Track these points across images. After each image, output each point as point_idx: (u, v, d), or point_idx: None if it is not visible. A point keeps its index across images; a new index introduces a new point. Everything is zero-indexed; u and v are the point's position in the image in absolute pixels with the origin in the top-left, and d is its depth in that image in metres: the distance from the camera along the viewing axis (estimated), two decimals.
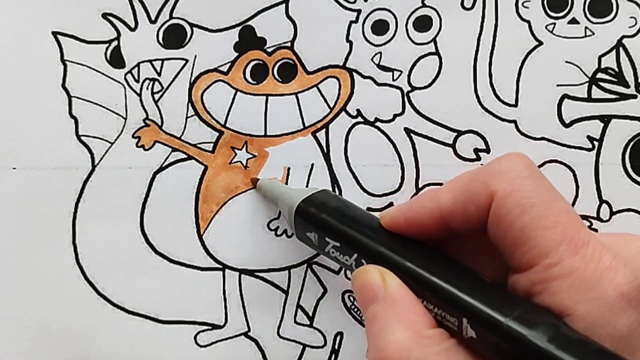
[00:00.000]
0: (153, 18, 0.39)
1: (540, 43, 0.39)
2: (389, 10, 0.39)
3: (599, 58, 0.39)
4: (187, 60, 0.39)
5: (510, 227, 0.26)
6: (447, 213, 0.29)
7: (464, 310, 0.25)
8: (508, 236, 0.27)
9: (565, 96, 0.39)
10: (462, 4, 0.39)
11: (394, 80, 0.39)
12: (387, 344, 0.26)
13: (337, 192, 0.39)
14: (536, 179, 0.27)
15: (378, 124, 0.39)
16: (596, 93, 0.39)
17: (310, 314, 0.38)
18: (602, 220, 0.38)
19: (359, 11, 0.39)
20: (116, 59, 0.39)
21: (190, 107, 0.39)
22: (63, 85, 0.39)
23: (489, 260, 0.29)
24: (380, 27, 0.39)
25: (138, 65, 0.39)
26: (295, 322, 0.38)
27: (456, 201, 0.28)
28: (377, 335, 0.27)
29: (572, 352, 0.23)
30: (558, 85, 0.39)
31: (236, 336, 0.38)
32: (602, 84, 0.39)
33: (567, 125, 0.39)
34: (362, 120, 0.39)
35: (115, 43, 0.39)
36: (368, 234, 0.31)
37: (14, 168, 0.38)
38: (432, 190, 0.30)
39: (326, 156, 0.39)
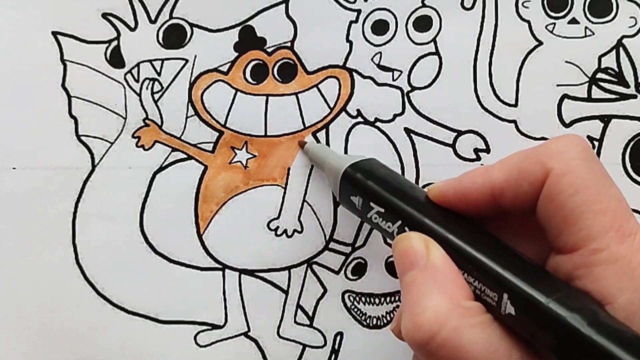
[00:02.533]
0: (153, 18, 0.39)
1: (540, 43, 0.39)
2: (389, 10, 0.39)
3: (599, 58, 0.39)
4: (187, 60, 0.39)
5: (561, 206, 0.26)
6: (499, 189, 0.28)
7: (506, 286, 0.25)
8: (558, 215, 0.26)
9: (565, 96, 0.39)
10: (462, 4, 0.39)
11: (394, 80, 0.39)
12: (423, 309, 0.26)
13: None
14: (592, 163, 0.27)
15: (378, 124, 0.39)
16: (596, 93, 0.39)
17: (310, 314, 0.38)
18: None
19: (359, 11, 0.39)
20: (116, 59, 0.39)
21: (190, 107, 0.39)
22: (63, 85, 0.39)
23: (531, 243, 0.29)
24: (380, 27, 0.39)
25: (138, 65, 0.39)
26: (295, 322, 0.38)
27: (509, 178, 0.28)
28: (414, 301, 0.26)
29: (611, 338, 0.23)
30: (558, 85, 0.39)
31: (236, 336, 0.38)
32: (602, 84, 0.39)
33: (567, 125, 0.39)
34: (362, 120, 0.39)
35: (115, 43, 0.39)
36: (413, 203, 0.30)
37: (14, 168, 0.38)
38: (484, 167, 0.30)
39: None
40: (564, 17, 0.39)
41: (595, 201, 0.26)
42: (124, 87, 0.39)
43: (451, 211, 0.30)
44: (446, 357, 0.25)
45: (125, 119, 0.39)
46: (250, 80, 0.39)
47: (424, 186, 0.38)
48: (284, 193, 0.39)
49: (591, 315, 0.23)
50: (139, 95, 0.39)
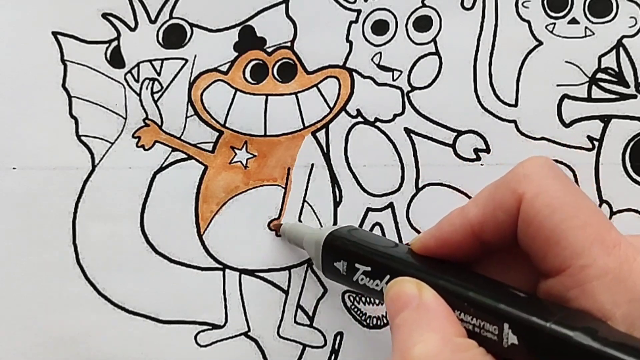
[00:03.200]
0: (153, 18, 0.39)
1: (540, 43, 0.39)
2: (389, 10, 0.39)
3: (599, 58, 0.39)
4: (186, 60, 0.39)
5: (540, 228, 0.26)
6: (477, 225, 0.28)
7: (505, 316, 0.25)
8: (539, 238, 0.26)
9: (565, 96, 0.39)
10: (462, 4, 0.39)
11: (394, 80, 0.39)
12: (413, 344, 0.25)
13: (337, 193, 0.39)
14: (562, 180, 0.27)
15: (378, 124, 0.39)
16: (596, 93, 0.39)
17: (310, 314, 0.38)
18: None
19: (359, 11, 0.39)
20: (116, 59, 0.39)
21: (190, 107, 0.39)
22: (63, 85, 0.39)
23: (519, 275, 0.29)
24: (380, 27, 0.39)
25: (138, 65, 0.39)
26: (295, 322, 0.38)
27: (485, 211, 0.28)
28: (405, 338, 0.26)
29: (619, 348, 0.22)
30: (558, 85, 0.39)
31: (236, 336, 0.38)
32: (602, 84, 0.39)
33: (567, 125, 0.39)
34: (362, 120, 0.39)
35: (115, 43, 0.39)
36: (399, 257, 0.31)
37: (14, 168, 0.38)
38: (458, 208, 0.30)
39: (326, 156, 0.39)
40: (564, 17, 0.39)
41: (573, 217, 0.26)
42: (124, 87, 0.39)
43: (437, 259, 0.30)
44: None
45: (125, 119, 0.39)
46: (250, 80, 0.39)
47: (424, 186, 0.38)
48: (284, 193, 0.39)
49: (593, 331, 0.23)
50: (139, 95, 0.39)
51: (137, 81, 0.39)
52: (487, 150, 0.39)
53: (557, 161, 0.38)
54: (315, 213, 0.39)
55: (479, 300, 0.26)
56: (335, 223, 0.39)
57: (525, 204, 0.27)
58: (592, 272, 0.25)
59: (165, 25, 0.39)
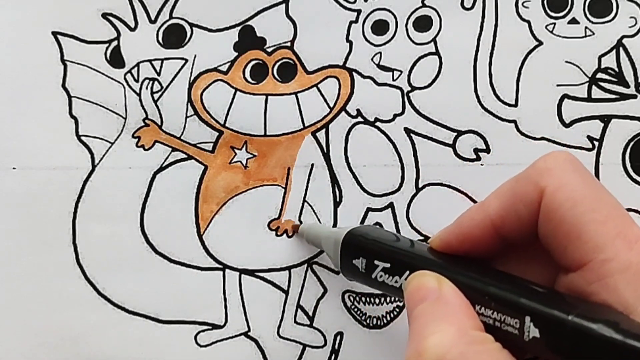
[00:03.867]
0: (153, 18, 0.39)
1: (540, 43, 0.39)
2: (389, 10, 0.39)
3: (599, 58, 0.39)
4: (186, 60, 0.39)
5: (562, 221, 0.26)
6: (498, 219, 0.28)
7: (527, 309, 0.25)
8: (560, 232, 0.26)
9: (565, 96, 0.39)
10: (462, 4, 0.39)
11: (394, 80, 0.39)
12: (429, 334, 0.25)
13: (337, 193, 0.39)
14: (584, 175, 0.27)
15: (378, 124, 0.39)
16: (596, 93, 0.39)
17: (310, 314, 0.38)
18: None
19: (359, 11, 0.39)
20: (116, 59, 0.39)
21: (189, 107, 0.39)
22: (63, 85, 0.39)
23: (539, 270, 0.29)
24: (380, 27, 0.39)
25: (138, 65, 0.39)
26: (295, 322, 0.38)
27: (505, 205, 0.28)
28: (421, 328, 0.26)
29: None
30: (558, 85, 0.39)
31: (236, 336, 0.38)
32: (602, 84, 0.39)
33: (567, 125, 0.39)
34: (362, 120, 0.39)
35: (115, 43, 0.39)
36: (419, 253, 0.31)
37: (14, 168, 0.38)
38: (478, 203, 0.30)
39: (326, 156, 0.39)
40: (564, 17, 0.39)
41: (594, 211, 0.26)
42: (124, 87, 0.39)
43: (456, 256, 0.30)
44: None
45: (125, 119, 0.39)
46: (249, 80, 0.39)
47: (424, 186, 0.38)
48: (284, 193, 0.39)
49: (615, 324, 0.23)
50: (139, 95, 0.39)
51: (137, 81, 0.39)
52: (487, 150, 0.39)
53: None
54: (315, 213, 0.39)
55: (500, 294, 0.26)
56: (335, 223, 0.39)
57: (547, 197, 0.27)
58: (614, 266, 0.25)
59: (165, 25, 0.39)
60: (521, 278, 0.28)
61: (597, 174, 0.38)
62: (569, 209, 0.26)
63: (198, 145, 0.39)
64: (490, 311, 0.27)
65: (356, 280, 0.33)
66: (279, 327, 0.38)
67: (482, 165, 0.38)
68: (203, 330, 0.38)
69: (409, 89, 0.39)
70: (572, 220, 0.26)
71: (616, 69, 0.39)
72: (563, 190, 0.26)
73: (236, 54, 0.39)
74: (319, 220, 0.38)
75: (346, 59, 0.39)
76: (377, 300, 0.38)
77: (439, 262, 0.30)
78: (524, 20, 0.39)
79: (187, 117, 0.39)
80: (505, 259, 0.30)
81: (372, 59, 0.39)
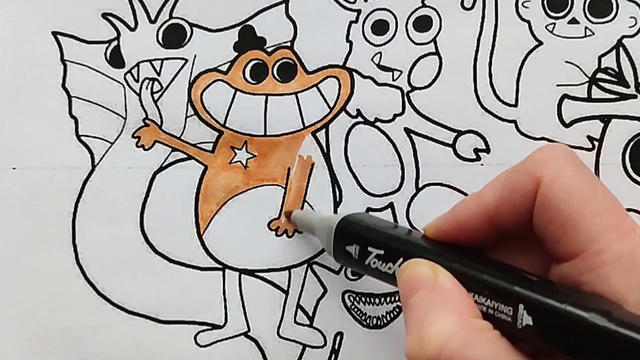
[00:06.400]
0: (153, 18, 0.39)
1: (540, 43, 0.39)
2: (389, 10, 0.39)
3: (599, 58, 0.39)
4: (186, 60, 0.39)
5: (557, 212, 0.26)
6: (493, 209, 0.29)
7: (520, 297, 0.25)
8: (554, 222, 0.27)
9: (565, 96, 0.39)
10: (462, 4, 0.39)
11: (394, 80, 0.39)
12: (430, 324, 0.25)
13: (337, 193, 0.39)
14: (579, 167, 0.27)
15: (378, 124, 0.39)
16: (596, 93, 0.39)
17: (310, 314, 0.38)
18: None
19: (359, 11, 0.39)
20: (116, 59, 0.39)
21: (189, 107, 0.39)
22: (63, 85, 0.39)
23: (532, 260, 0.29)
24: (380, 27, 0.39)
25: (138, 65, 0.39)
26: (295, 322, 0.38)
27: (501, 195, 0.28)
28: (420, 319, 0.26)
29: (633, 329, 0.23)
30: (558, 85, 0.39)
31: (236, 336, 0.38)
32: (602, 84, 0.39)
33: (567, 125, 0.39)
34: (362, 120, 0.39)
35: (115, 43, 0.39)
36: (413, 241, 0.31)
37: (14, 168, 0.38)
38: (474, 194, 0.30)
39: (326, 156, 0.39)
40: (564, 17, 0.39)
41: (589, 202, 0.26)
42: (124, 87, 0.39)
43: (451, 244, 0.30)
44: None
45: (125, 119, 0.39)
46: (249, 79, 0.39)
47: (424, 186, 0.38)
48: (284, 193, 0.39)
49: (607, 313, 0.23)
50: (139, 95, 0.39)
51: (137, 81, 0.39)
52: (487, 150, 0.39)
53: None
54: None
55: (493, 282, 0.27)
56: None
57: (542, 188, 0.27)
58: (606, 257, 0.25)
59: (165, 25, 0.39)
60: (515, 267, 0.28)
61: (597, 174, 0.38)
62: (564, 199, 0.26)
63: (198, 145, 0.39)
64: (484, 299, 0.27)
65: (349, 266, 0.33)
66: (278, 327, 0.38)
67: (482, 165, 0.38)
68: (203, 331, 0.38)
69: (409, 89, 0.39)
70: (567, 210, 0.26)
71: (616, 69, 0.39)
72: (559, 182, 0.27)
73: (236, 54, 0.39)
74: None
75: (346, 59, 0.39)
76: (377, 300, 0.38)
77: (433, 249, 0.30)
78: (524, 20, 0.39)
79: (187, 117, 0.39)
80: (499, 249, 0.30)
81: (372, 59, 0.39)
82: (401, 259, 0.30)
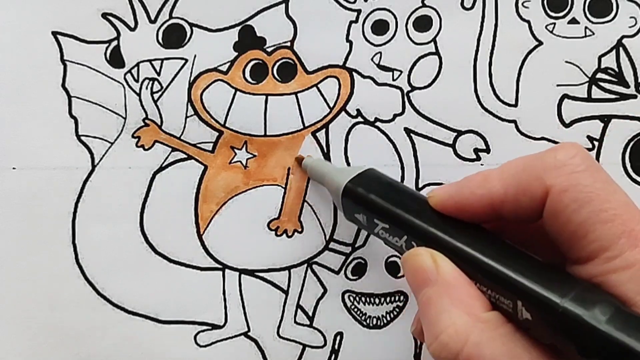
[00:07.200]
0: (153, 18, 0.39)
1: (540, 43, 0.39)
2: (389, 10, 0.39)
3: (599, 58, 0.39)
4: (186, 60, 0.39)
5: (567, 221, 0.26)
6: (498, 201, 0.28)
7: (519, 292, 0.25)
8: (565, 230, 0.26)
9: (565, 96, 0.39)
10: (462, 4, 0.39)
11: (394, 80, 0.39)
12: (444, 328, 0.26)
13: None
14: (593, 172, 0.27)
15: (378, 124, 0.39)
16: (596, 93, 0.39)
17: (310, 314, 0.38)
18: None
19: (359, 11, 0.39)
20: (116, 59, 0.39)
21: (189, 107, 0.39)
22: (63, 85, 0.39)
23: (541, 246, 0.28)
24: (380, 27, 0.39)
25: (138, 65, 0.39)
26: (295, 322, 0.38)
27: (508, 191, 0.28)
28: (434, 321, 0.27)
29: (632, 333, 0.22)
30: (558, 85, 0.39)
31: (236, 336, 0.38)
32: (602, 84, 0.39)
33: (567, 125, 0.39)
34: (362, 120, 0.39)
35: (115, 43, 0.39)
36: (417, 215, 0.30)
37: (14, 168, 0.38)
38: (482, 176, 0.29)
39: (326, 156, 0.39)
40: (564, 17, 0.39)
41: (601, 210, 0.26)
42: (124, 87, 0.39)
43: (454, 219, 0.29)
44: None
45: (125, 119, 0.39)
46: (249, 79, 0.39)
47: (424, 186, 0.38)
48: (284, 193, 0.39)
49: (611, 308, 0.23)
50: (139, 95, 0.39)
51: (137, 81, 0.39)
52: (487, 150, 0.39)
53: None
54: (315, 213, 0.39)
55: (493, 273, 0.26)
56: (335, 224, 0.38)
57: (552, 197, 0.26)
58: (617, 263, 0.25)
59: (165, 25, 0.39)
60: (519, 250, 0.28)
61: None
62: (574, 210, 0.26)
63: (198, 145, 0.39)
64: (485, 288, 0.27)
65: (363, 229, 0.33)
66: (278, 327, 0.38)
67: (482, 165, 0.38)
68: (203, 331, 0.38)
69: (409, 89, 0.39)
70: (578, 221, 0.26)
71: (616, 69, 0.39)
72: (570, 192, 0.26)
73: (236, 53, 0.39)
74: (319, 220, 0.38)
75: (346, 59, 0.39)
76: (377, 300, 0.38)
77: (437, 230, 0.29)
78: (524, 20, 0.39)
79: (187, 117, 0.39)
80: (507, 230, 0.30)
81: (372, 59, 0.39)
82: (406, 237, 0.30)
